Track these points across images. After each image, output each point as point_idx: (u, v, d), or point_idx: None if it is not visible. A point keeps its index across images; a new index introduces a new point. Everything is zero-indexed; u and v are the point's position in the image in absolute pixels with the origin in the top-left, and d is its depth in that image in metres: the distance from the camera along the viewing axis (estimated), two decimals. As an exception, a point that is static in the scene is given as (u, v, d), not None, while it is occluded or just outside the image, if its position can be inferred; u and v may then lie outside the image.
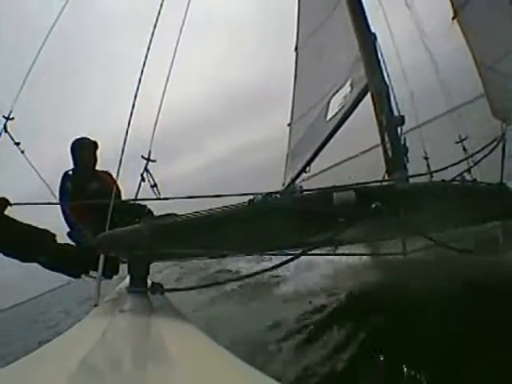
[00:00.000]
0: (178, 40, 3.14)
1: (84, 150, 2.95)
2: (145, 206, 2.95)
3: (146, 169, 3.11)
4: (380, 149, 3.43)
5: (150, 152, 3.16)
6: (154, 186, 3.07)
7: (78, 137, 3.02)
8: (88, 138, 3.00)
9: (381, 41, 3.26)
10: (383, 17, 3.75)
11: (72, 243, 2.68)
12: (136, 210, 2.75)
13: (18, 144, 2.75)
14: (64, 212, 2.77)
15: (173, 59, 3.10)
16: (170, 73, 3.07)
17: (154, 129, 3.05)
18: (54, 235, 2.54)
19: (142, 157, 3.12)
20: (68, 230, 2.75)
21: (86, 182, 2.83)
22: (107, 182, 2.85)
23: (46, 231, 2.49)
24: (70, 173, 2.92)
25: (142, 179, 3.06)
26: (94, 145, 2.99)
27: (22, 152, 2.77)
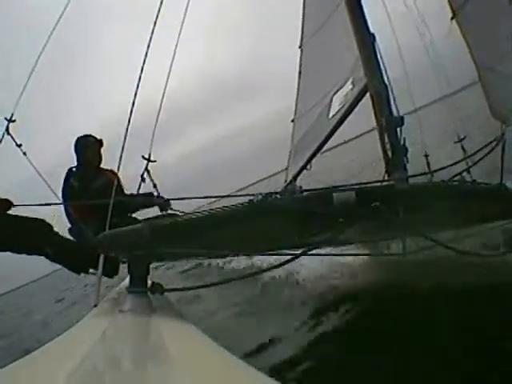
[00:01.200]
0: (179, 37, 3.15)
1: (88, 147, 2.92)
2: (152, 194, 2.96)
3: (146, 169, 3.12)
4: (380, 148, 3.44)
5: (150, 154, 3.17)
6: (154, 186, 3.08)
7: (81, 134, 2.99)
8: (93, 136, 2.96)
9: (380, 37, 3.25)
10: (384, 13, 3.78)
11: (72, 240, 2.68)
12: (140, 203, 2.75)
13: (20, 146, 2.75)
14: (66, 208, 2.76)
15: (173, 58, 3.11)
16: (170, 70, 3.09)
17: (154, 130, 3.08)
18: (50, 225, 2.52)
19: (143, 157, 3.13)
20: (69, 226, 2.75)
21: (90, 179, 2.80)
22: (112, 180, 2.82)
23: (42, 221, 2.48)
24: (74, 169, 2.89)
25: (143, 180, 3.07)
26: (99, 143, 2.96)
27: (24, 154, 2.77)
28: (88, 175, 2.84)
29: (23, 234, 2.33)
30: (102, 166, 3.05)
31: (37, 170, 2.80)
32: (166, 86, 3.10)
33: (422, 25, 3.80)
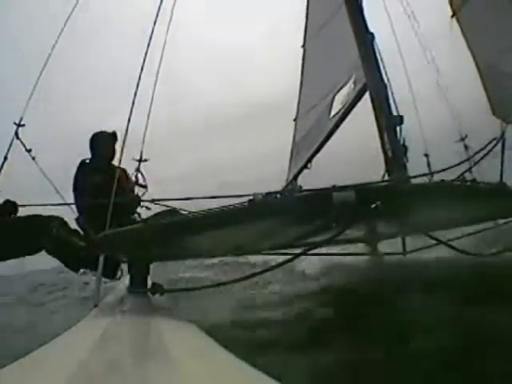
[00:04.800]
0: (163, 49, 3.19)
1: (103, 143, 2.97)
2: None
3: (138, 170, 3.16)
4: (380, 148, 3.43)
5: (141, 153, 3.22)
6: (144, 186, 3.11)
7: (98, 131, 3.05)
8: (107, 131, 3.02)
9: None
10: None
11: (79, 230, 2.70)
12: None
13: (29, 151, 2.77)
14: (76, 197, 2.79)
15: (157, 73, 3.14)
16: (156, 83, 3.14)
17: (145, 132, 3.11)
18: (66, 222, 2.57)
19: (134, 159, 3.18)
20: (77, 216, 2.76)
21: (96, 174, 2.81)
22: (119, 180, 2.79)
23: (57, 218, 2.51)
24: (87, 162, 2.96)
25: (137, 180, 3.11)
26: (113, 137, 2.98)
27: (33, 158, 2.79)
28: (96, 170, 2.84)
29: (23, 235, 2.35)
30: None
31: (45, 174, 2.81)
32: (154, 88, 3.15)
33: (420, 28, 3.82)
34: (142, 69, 2.27)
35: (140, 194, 3.09)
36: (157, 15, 2.40)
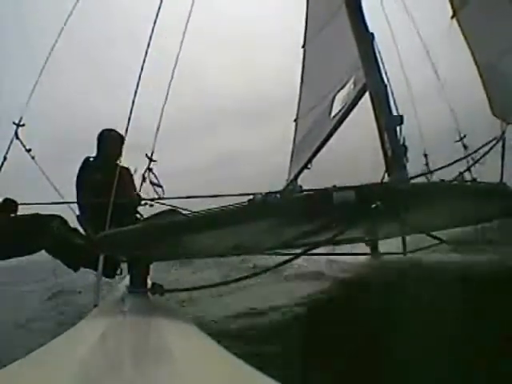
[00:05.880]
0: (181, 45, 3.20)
1: (112, 141, 2.93)
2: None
3: (148, 168, 3.12)
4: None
5: (152, 152, 3.18)
6: (159, 186, 3.07)
7: (107, 128, 3.02)
8: (116, 131, 2.98)
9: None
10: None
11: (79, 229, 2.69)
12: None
13: (29, 150, 2.76)
14: (78, 195, 2.78)
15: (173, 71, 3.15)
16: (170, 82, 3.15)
17: (158, 129, 3.10)
18: (65, 221, 2.56)
19: (146, 156, 3.14)
20: (78, 213, 2.75)
21: (98, 172, 2.79)
22: (122, 179, 2.77)
23: (57, 216, 2.51)
24: (92, 159, 2.93)
25: (144, 179, 3.08)
26: (121, 138, 2.96)
27: (33, 158, 2.78)
28: (101, 168, 2.82)
29: (23, 234, 2.36)
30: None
31: (45, 174, 2.81)
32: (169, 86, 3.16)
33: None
34: (143, 61, 2.27)
35: (156, 193, 3.04)
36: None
